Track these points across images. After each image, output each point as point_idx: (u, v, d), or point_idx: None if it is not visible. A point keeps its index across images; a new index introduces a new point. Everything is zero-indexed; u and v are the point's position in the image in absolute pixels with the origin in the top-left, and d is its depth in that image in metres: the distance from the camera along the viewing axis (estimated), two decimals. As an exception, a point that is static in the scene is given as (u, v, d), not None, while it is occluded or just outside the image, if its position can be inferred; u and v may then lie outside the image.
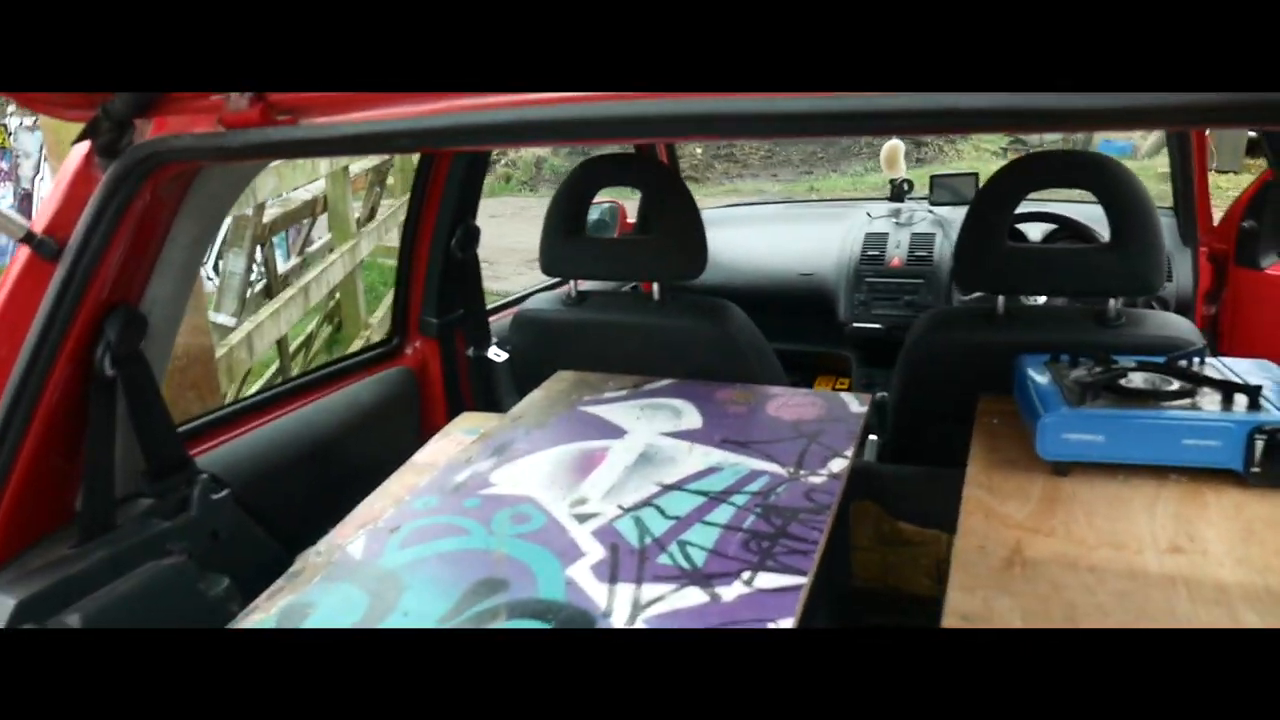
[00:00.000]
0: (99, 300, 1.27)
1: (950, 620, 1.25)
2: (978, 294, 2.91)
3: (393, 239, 7.61)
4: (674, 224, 2.20)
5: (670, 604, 1.36)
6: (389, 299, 7.12)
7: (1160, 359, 1.79)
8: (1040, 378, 1.79)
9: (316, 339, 6.54)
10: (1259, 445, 1.54)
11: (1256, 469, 1.54)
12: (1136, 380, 1.72)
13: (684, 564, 1.47)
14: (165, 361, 1.47)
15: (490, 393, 2.50)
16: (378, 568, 1.51)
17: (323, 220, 6.29)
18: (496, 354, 2.45)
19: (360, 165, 6.66)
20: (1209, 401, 1.64)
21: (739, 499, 1.66)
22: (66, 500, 1.41)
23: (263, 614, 1.41)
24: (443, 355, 2.39)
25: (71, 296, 1.22)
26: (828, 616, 2.32)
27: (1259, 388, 1.60)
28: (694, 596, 1.38)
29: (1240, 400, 1.61)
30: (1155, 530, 1.44)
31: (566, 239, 2.26)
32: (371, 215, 7.22)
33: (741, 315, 2.28)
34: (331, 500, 1.81)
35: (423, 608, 1.39)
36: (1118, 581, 1.31)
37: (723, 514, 1.61)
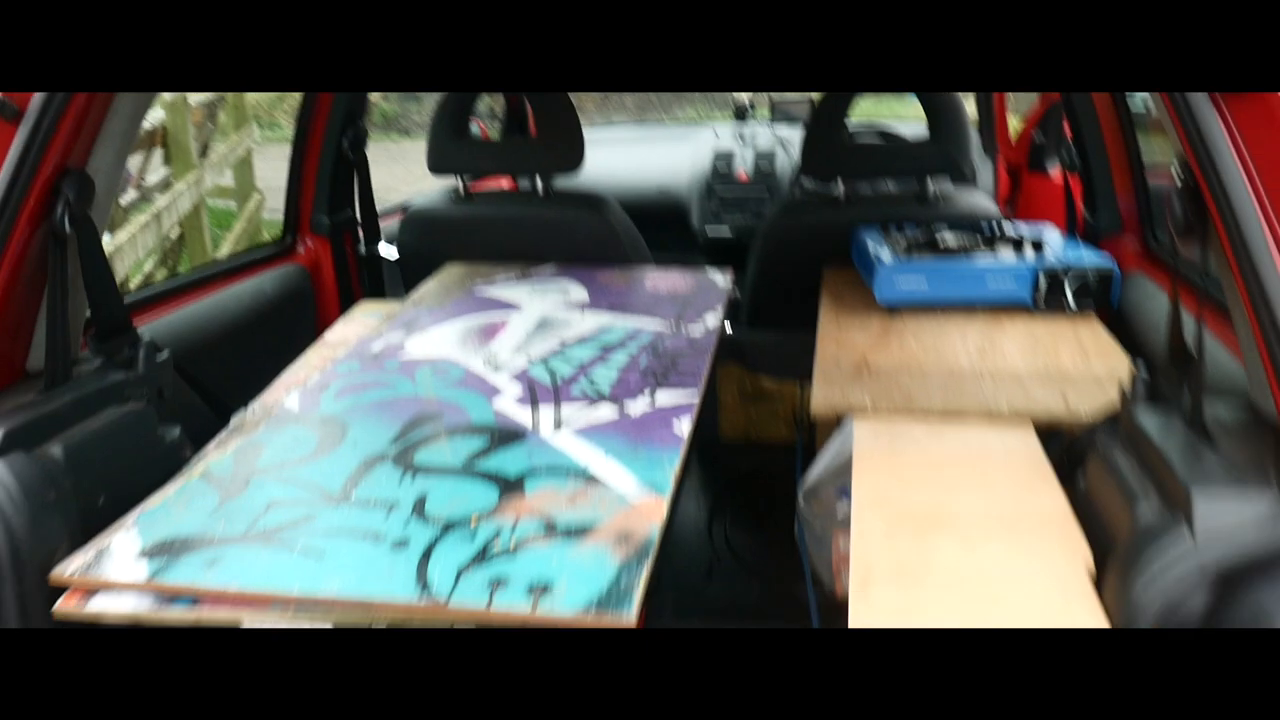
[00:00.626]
0: (56, 163, 1.37)
1: (815, 404, 1.56)
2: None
3: (227, 179, 7.37)
4: (553, 122, 2.42)
5: (587, 419, 1.61)
6: (230, 237, 6.94)
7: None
8: (874, 242, 2.14)
9: (155, 280, 6.31)
10: (1043, 282, 1.94)
11: (1042, 301, 1.94)
12: (949, 240, 2.10)
13: (593, 393, 1.72)
14: (104, 228, 1.57)
15: (379, 289, 2.65)
16: (317, 415, 1.68)
17: (156, 156, 6.04)
18: (387, 251, 2.60)
19: (197, 98, 6.41)
20: (1005, 253, 2.03)
21: (632, 347, 1.92)
22: (17, 360, 1.51)
23: (219, 453, 1.57)
24: (334, 253, 2.51)
25: (33, 156, 1.32)
26: (698, 463, 2.65)
27: (1044, 237, 2.02)
28: (607, 412, 1.64)
29: (1029, 251, 2.01)
30: (967, 345, 1.82)
31: (453, 139, 2.43)
32: (204, 151, 6.97)
33: (618, 207, 2.53)
34: (240, 384, 1.95)
35: (368, 439, 1.58)
36: (940, 378, 1.66)
37: (620, 358, 1.87)
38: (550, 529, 1.29)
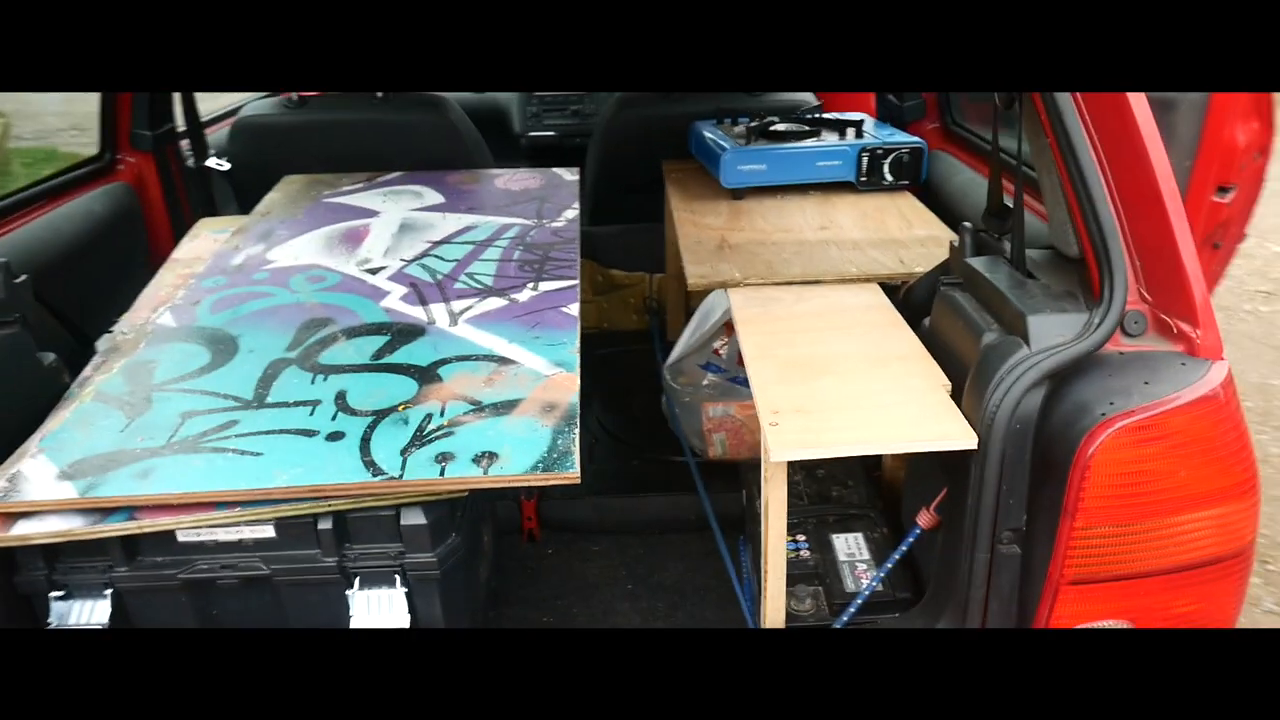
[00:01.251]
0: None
1: (692, 280, 1.72)
2: None
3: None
4: None
5: (479, 309, 1.70)
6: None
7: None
8: (714, 133, 2.30)
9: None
10: (864, 160, 2.17)
11: (864, 178, 2.18)
12: (781, 128, 2.29)
13: (477, 285, 1.79)
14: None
15: (211, 206, 2.53)
16: (199, 329, 1.66)
17: None
18: (218, 164, 2.48)
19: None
20: (830, 137, 2.24)
21: (501, 243, 2.00)
22: None
23: (103, 375, 1.53)
24: (159, 169, 2.38)
25: None
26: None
27: (861, 121, 2.25)
28: (495, 303, 1.72)
29: (850, 133, 2.24)
30: (807, 220, 2.03)
31: None
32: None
33: (457, 107, 2.54)
34: (83, 307, 1.86)
35: (264, 346, 1.59)
36: (792, 248, 1.86)
37: (493, 253, 1.95)
38: (478, 407, 1.38)
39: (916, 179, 2.20)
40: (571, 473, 1.25)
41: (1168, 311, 1.25)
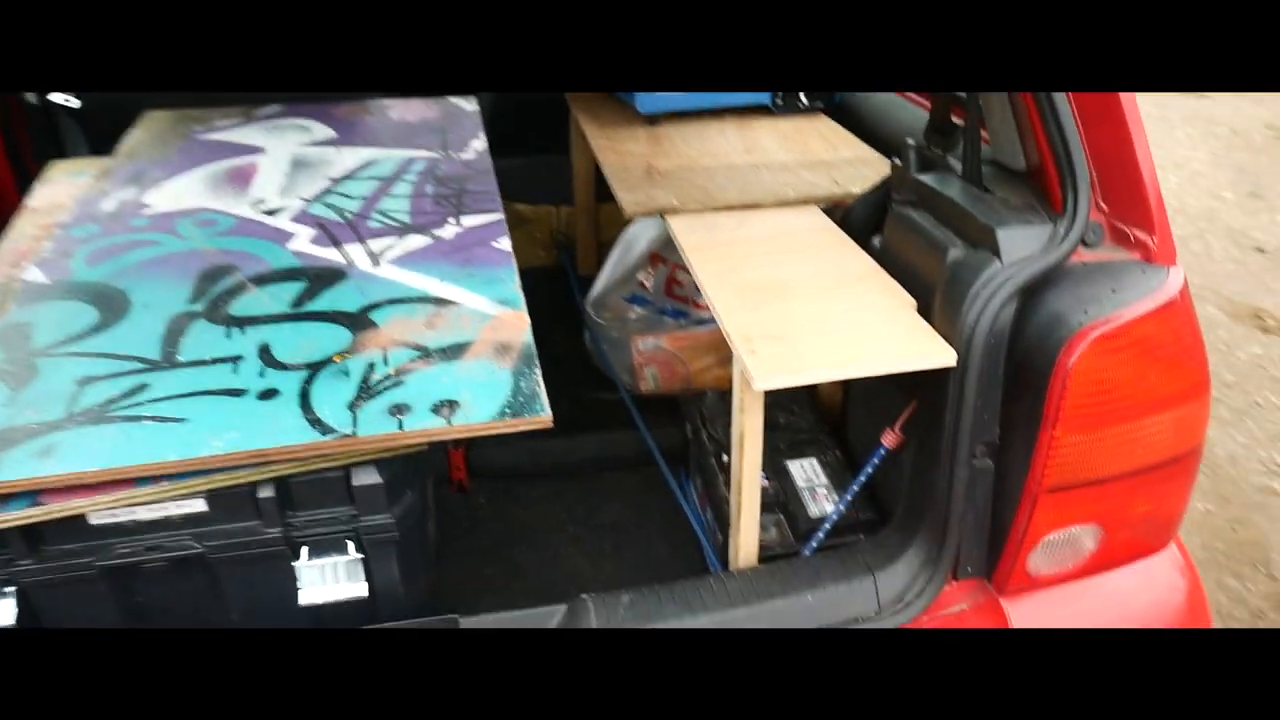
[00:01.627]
0: None
1: (629, 208, 1.64)
2: None
3: None
4: None
5: (401, 249, 1.56)
6: None
7: None
8: (621, 55, 2.19)
9: None
10: (780, 81, 2.12)
11: (779, 101, 2.13)
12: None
13: (393, 223, 1.65)
14: None
15: (60, 147, 2.25)
16: (79, 285, 1.46)
17: None
18: (65, 99, 2.19)
19: None
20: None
21: (410, 177, 1.85)
22: None
23: (-28, 340, 1.33)
24: (-6, 106, 2.08)
25: None
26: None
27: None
28: (418, 241, 1.59)
29: (762, 52, 2.18)
30: (731, 144, 1.97)
31: None
32: None
33: None
34: None
35: (161, 300, 1.42)
36: (723, 173, 1.80)
37: (403, 188, 1.80)
38: (424, 353, 1.27)
39: (830, 100, 2.17)
40: (543, 416, 1.16)
41: (1124, 220, 1.26)
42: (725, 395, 1.93)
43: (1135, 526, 1.31)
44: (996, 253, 1.21)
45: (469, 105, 2.28)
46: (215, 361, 1.26)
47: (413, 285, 1.45)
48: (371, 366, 1.24)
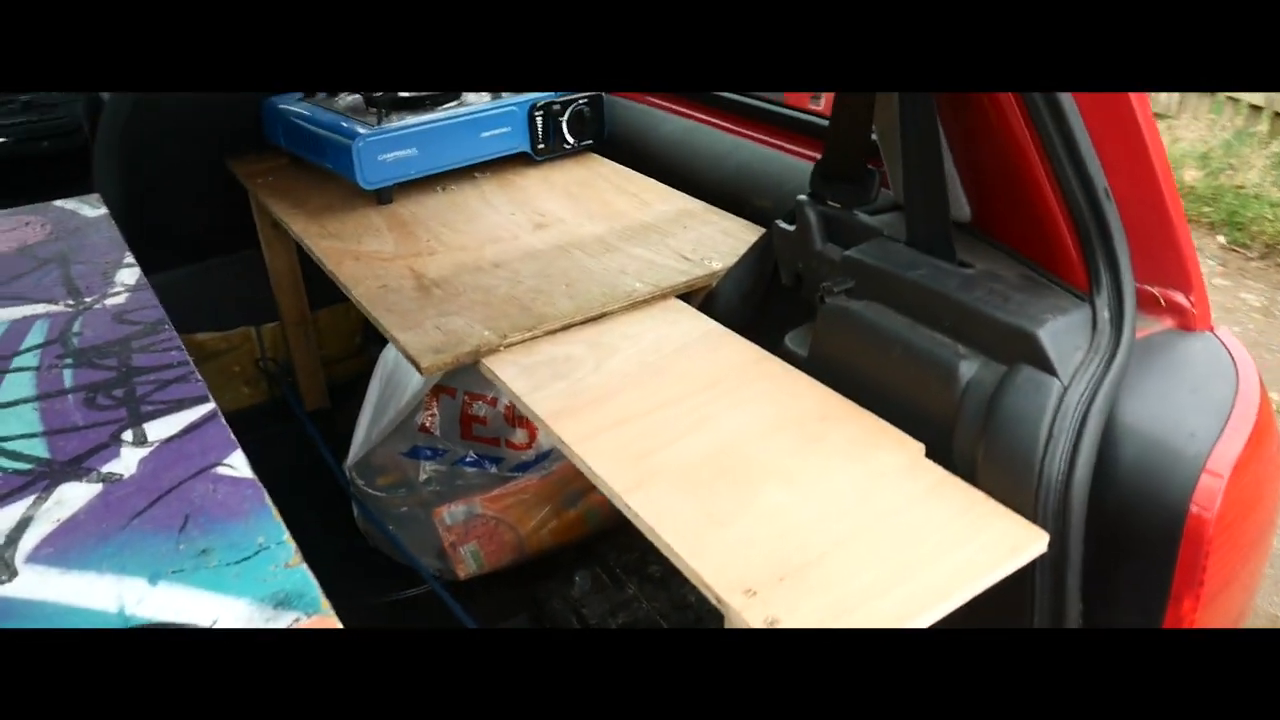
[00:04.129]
0: None
1: (427, 363, 1.06)
2: None
3: None
4: None
5: (50, 518, 0.88)
6: None
7: None
8: (320, 113, 1.56)
9: None
10: (538, 121, 1.62)
11: (541, 144, 1.63)
12: (413, 92, 1.62)
13: (21, 465, 0.95)
14: None
15: None
16: None
17: None
18: None
19: None
20: (481, 98, 1.63)
21: (26, 360, 1.13)
22: None
23: None
24: None
25: None
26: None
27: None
28: (78, 493, 0.91)
29: (504, 91, 1.66)
30: (510, 219, 1.44)
31: None
32: None
33: None
34: None
35: None
36: (527, 268, 1.28)
37: (18, 386, 1.08)
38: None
39: (600, 135, 1.70)
40: None
41: (1153, 280, 0.94)
42: (598, 572, 1.42)
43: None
44: (1048, 367, 0.83)
45: (91, 209, 1.54)
46: None
47: (94, 607, 0.79)
48: None
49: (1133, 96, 0.86)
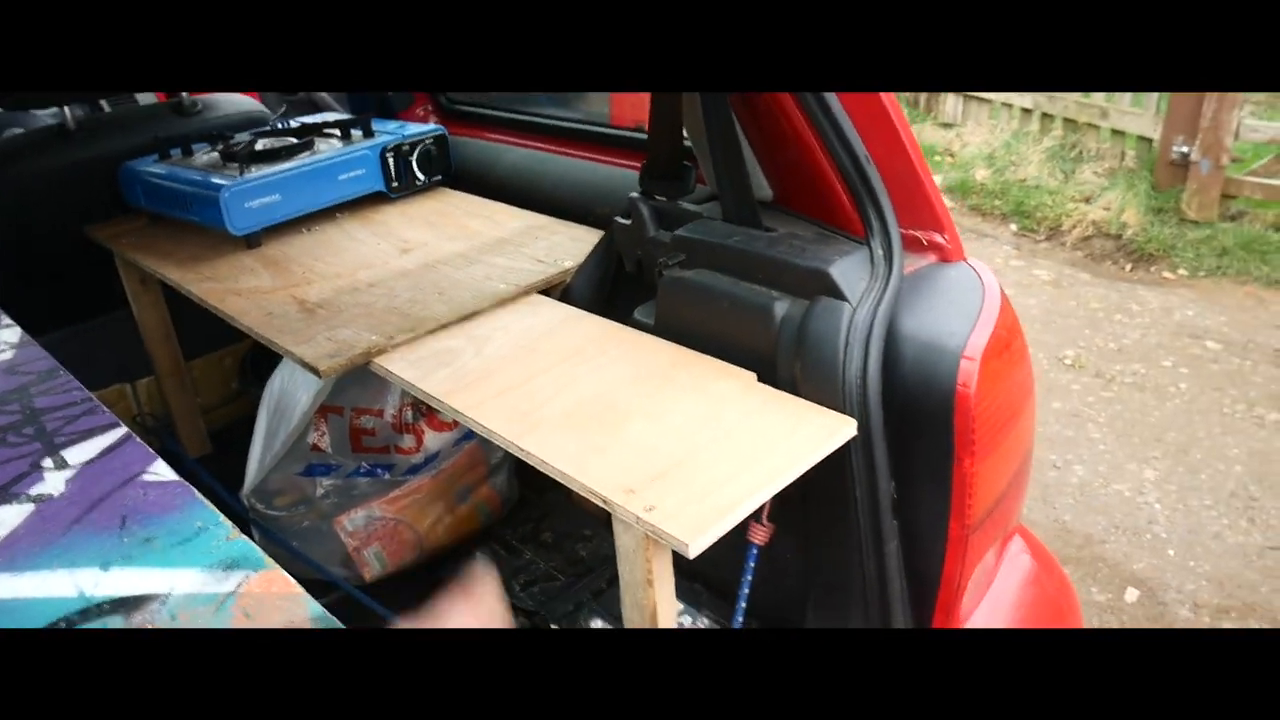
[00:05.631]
0: None
1: (323, 366, 1.19)
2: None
3: None
4: None
5: (-6, 537, 0.96)
6: None
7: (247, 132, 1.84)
8: (181, 170, 1.66)
9: None
10: (390, 161, 1.77)
11: (395, 183, 1.79)
12: (266, 143, 1.75)
13: (-51, 501, 1.03)
14: None
15: None
16: None
17: None
18: None
19: None
20: (333, 144, 1.77)
21: (-72, 416, 1.19)
22: None
23: None
24: None
25: None
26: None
27: (370, 118, 1.82)
28: (10, 514, 0.99)
29: (357, 133, 1.80)
30: (376, 249, 1.58)
31: None
32: None
33: None
34: None
35: None
36: (402, 285, 1.42)
37: (-74, 438, 1.14)
38: None
39: (448, 170, 1.87)
40: None
41: (914, 225, 1.18)
42: (496, 548, 1.55)
43: (1006, 526, 1.25)
44: (839, 294, 1.05)
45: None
46: None
47: (54, 594, 0.88)
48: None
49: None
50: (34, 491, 1.03)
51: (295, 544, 1.54)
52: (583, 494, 0.94)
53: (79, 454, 1.09)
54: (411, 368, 1.20)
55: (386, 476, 1.57)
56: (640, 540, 0.90)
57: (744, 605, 1.17)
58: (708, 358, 1.15)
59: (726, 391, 1.08)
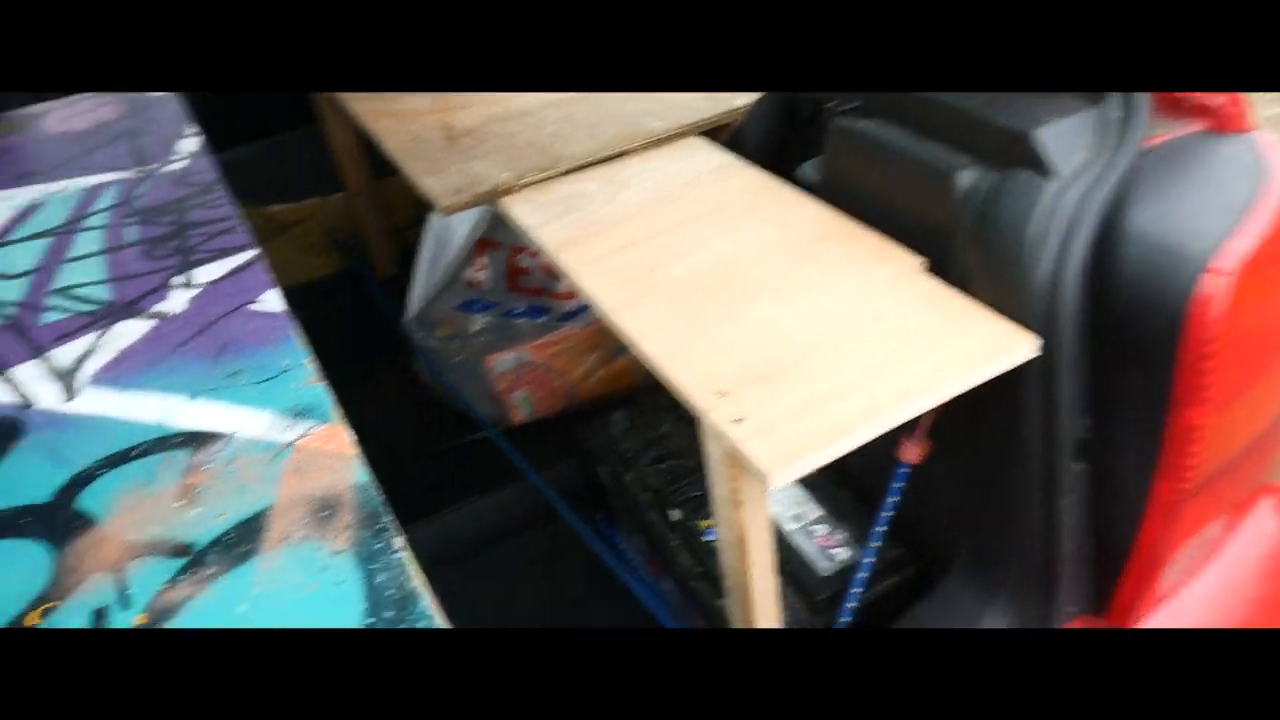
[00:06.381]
0: None
1: (444, 201, 1.10)
2: None
3: None
4: None
5: (108, 350, 0.97)
6: None
7: None
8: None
9: None
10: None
11: None
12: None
13: (86, 307, 1.05)
14: None
15: None
16: None
17: None
18: None
19: None
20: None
21: (97, 220, 1.23)
22: None
23: None
24: None
25: None
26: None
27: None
28: (131, 330, 1.00)
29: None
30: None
31: None
32: None
33: None
34: None
35: None
36: (551, 115, 1.28)
37: (90, 241, 1.18)
38: (192, 559, 0.73)
39: None
40: (437, 625, 0.67)
41: (1181, 76, 0.87)
42: (635, 414, 1.46)
43: (1245, 491, 0.97)
44: (1041, 168, 0.80)
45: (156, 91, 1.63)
46: None
47: (140, 419, 0.88)
48: (101, 616, 0.69)
49: None
50: (157, 308, 1.03)
51: (448, 376, 1.52)
52: (670, 389, 0.80)
53: (207, 273, 1.08)
54: (536, 211, 1.07)
55: (541, 320, 1.49)
56: (725, 455, 0.75)
57: (882, 530, 0.99)
58: (869, 233, 0.93)
59: (880, 277, 0.87)
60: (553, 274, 1.49)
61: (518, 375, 1.47)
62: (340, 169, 1.82)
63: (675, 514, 1.15)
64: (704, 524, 1.13)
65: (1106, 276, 0.79)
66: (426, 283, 1.50)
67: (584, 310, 1.50)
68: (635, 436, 1.28)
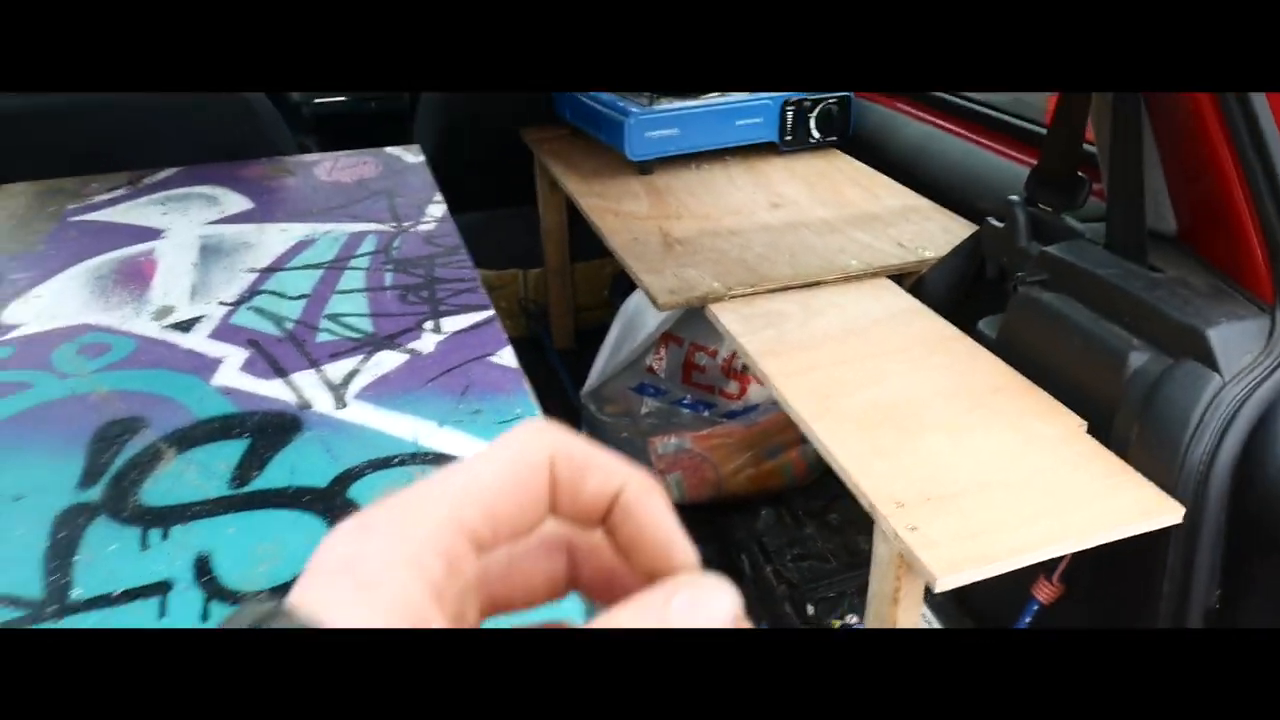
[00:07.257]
0: None
1: (663, 299, 1.28)
2: None
3: None
4: None
5: (371, 373, 1.17)
6: None
7: None
8: (598, 93, 1.83)
9: None
10: (789, 115, 1.79)
11: (788, 136, 1.81)
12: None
13: (351, 334, 1.26)
14: None
15: None
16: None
17: None
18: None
19: None
20: (741, 91, 1.84)
21: (360, 262, 1.46)
22: None
23: None
24: None
25: None
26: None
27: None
28: (390, 360, 1.20)
29: (764, 81, 1.85)
30: (750, 196, 1.63)
31: None
32: None
33: None
34: None
35: (43, 481, 0.99)
36: (758, 238, 1.46)
37: (353, 280, 1.40)
38: (441, 556, 0.89)
39: (845, 134, 1.85)
40: None
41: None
42: (782, 513, 1.59)
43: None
44: (1211, 363, 0.91)
45: (412, 156, 1.89)
46: (129, 596, 0.85)
47: (398, 434, 1.06)
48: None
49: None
50: (411, 345, 1.22)
51: (611, 449, 1.68)
52: (854, 493, 0.93)
53: (453, 324, 1.28)
54: (740, 321, 1.23)
55: (706, 414, 1.65)
56: (894, 556, 0.87)
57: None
58: (1037, 390, 1.05)
59: (1045, 433, 0.99)
60: (726, 374, 1.65)
61: (675, 459, 1.61)
62: (544, 247, 2.05)
63: (810, 609, 1.26)
64: (836, 623, 1.23)
65: (1257, 468, 0.88)
66: (609, 362, 1.67)
67: (746, 413, 1.65)
68: (780, 533, 1.40)
